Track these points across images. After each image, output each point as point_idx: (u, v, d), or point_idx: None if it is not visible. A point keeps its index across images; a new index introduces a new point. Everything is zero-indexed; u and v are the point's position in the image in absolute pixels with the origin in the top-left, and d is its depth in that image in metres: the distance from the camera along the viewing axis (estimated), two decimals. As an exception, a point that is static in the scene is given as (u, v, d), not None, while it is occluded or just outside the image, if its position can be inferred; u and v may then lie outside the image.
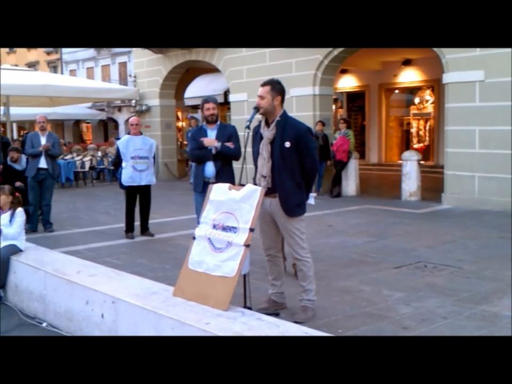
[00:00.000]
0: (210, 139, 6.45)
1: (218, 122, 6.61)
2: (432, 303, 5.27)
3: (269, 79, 4.88)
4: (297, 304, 5.04)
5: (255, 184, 4.69)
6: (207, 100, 6.64)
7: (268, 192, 4.68)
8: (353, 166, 13.56)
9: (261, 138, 4.82)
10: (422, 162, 12.90)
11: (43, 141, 9.31)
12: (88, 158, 18.45)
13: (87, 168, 18.08)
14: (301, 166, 4.76)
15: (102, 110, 29.39)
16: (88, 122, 33.74)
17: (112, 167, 15.31)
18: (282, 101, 4.82)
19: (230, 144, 6.42)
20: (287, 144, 4.67)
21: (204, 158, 6.49)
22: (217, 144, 6.38)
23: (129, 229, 8.78)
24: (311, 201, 5.01)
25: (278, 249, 5.10)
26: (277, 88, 4.78)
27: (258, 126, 4.90)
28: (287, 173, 4.71)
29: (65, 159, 17.63)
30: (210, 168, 6.46)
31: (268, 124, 4.80)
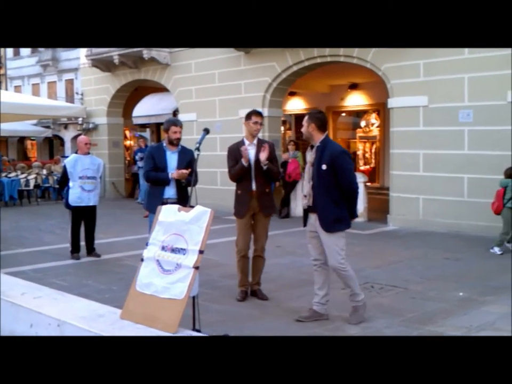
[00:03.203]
0: (182, 173, 6.19)
1: (180, 146, 6.45)
2: (380, 323, 5.35)
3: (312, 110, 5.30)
4: (247, 330, 5.05)
5: None
6: (175, 122, 6.41)
7: (311, 210, 5.35)
8: (301, 188, 13.63)
9: None
10: (368, 184, 13.13)
11: (-15, 158, 9.08)
12: (32, 176, 17.98)
13: (31, 187, 17.63)
14: (339, 185, 5.23)
15: (48, 127, 28.86)
16: (33, 139, 33.13)
17: (57, 186, 14.99)
18: (319, 127, 5.31)
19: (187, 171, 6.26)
20: (324, 167, 5.20)
21: (161, 183, 6.32)
22: (184, 182, 6.25)
23: (75, 249, 8.58)
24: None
25: (324, 260, 5.43)
26: (312, 116, 5.37)
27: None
28: (324, 192, 5.24)
29: (9, 177, 17.17)
30: (171, 187, 6.30)
31: (312, 148, 5.37)
